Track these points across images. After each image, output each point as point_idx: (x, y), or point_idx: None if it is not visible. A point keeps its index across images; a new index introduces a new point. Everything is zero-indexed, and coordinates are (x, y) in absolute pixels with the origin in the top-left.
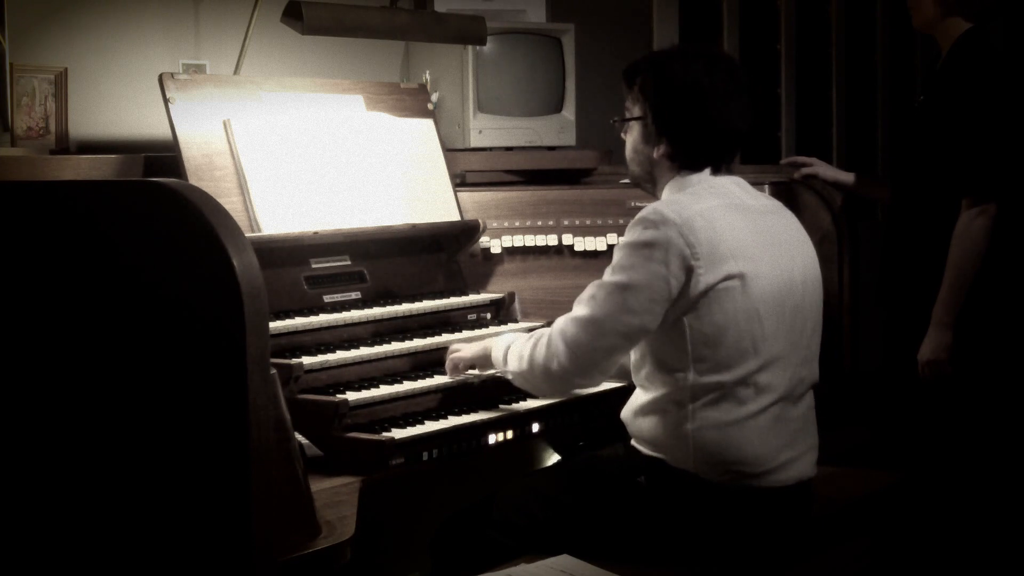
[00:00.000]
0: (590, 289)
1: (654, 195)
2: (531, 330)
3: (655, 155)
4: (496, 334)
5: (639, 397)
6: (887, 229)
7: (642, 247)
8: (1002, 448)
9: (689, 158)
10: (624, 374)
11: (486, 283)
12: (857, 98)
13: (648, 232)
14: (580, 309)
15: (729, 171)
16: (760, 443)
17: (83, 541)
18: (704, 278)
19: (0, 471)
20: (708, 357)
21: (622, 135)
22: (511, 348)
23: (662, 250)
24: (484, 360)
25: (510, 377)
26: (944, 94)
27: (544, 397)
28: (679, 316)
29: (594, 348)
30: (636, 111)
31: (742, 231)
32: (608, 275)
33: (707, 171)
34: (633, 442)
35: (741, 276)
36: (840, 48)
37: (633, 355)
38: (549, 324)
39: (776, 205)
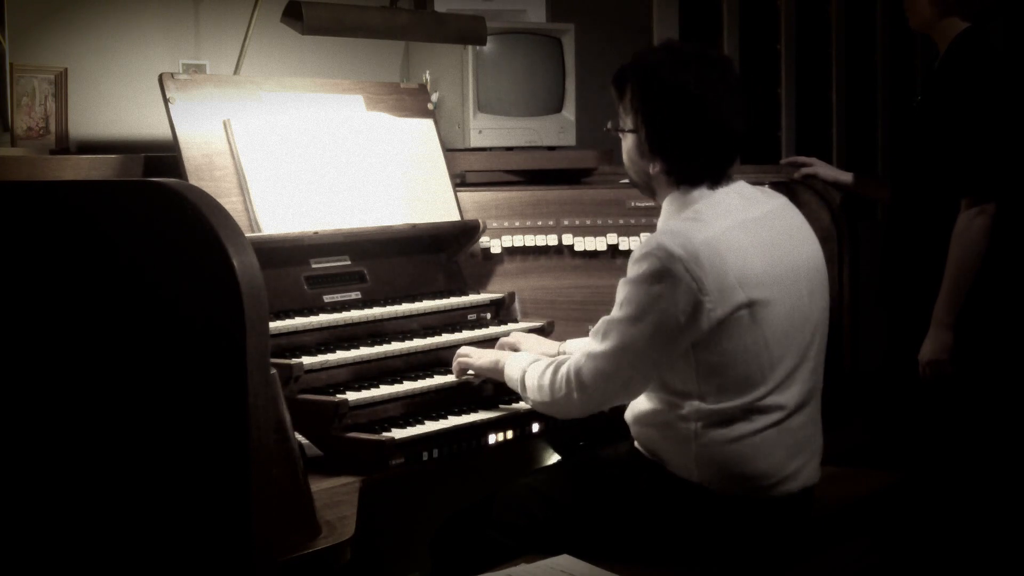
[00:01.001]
0: (601, 325)
1: (654, 201)
2: (531, 330)
3: (651, 170)
4: (497, 334)
5: (642, 403)
6: (887, 229)
7: (648, 283)
8: (1003, 448)
9: (687, 174)
10: None
11: (486, 283)
12: (857, 98)
13: (653, 269)
14: (593, 345)
15: (729, 178)
16: (767, 458)
17: (83, 541)
18: (714, 312)
19: (0, 471)
20: (716, 386)
21: (620, 136)
22: (528, 373)
23: (668, 286)
24: (495, 374)
25: (529, 404)
26: (942, 94)
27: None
28: (687, 347)
29: (608, 384)
30: (628, 122)
31: (749, 254)
32: (616, 311)
33: (706, 185)
34: (636, 444)
35: (750, 305)
36: (840, 48)
37: None
38: (550, 324)
39: (779, 205)
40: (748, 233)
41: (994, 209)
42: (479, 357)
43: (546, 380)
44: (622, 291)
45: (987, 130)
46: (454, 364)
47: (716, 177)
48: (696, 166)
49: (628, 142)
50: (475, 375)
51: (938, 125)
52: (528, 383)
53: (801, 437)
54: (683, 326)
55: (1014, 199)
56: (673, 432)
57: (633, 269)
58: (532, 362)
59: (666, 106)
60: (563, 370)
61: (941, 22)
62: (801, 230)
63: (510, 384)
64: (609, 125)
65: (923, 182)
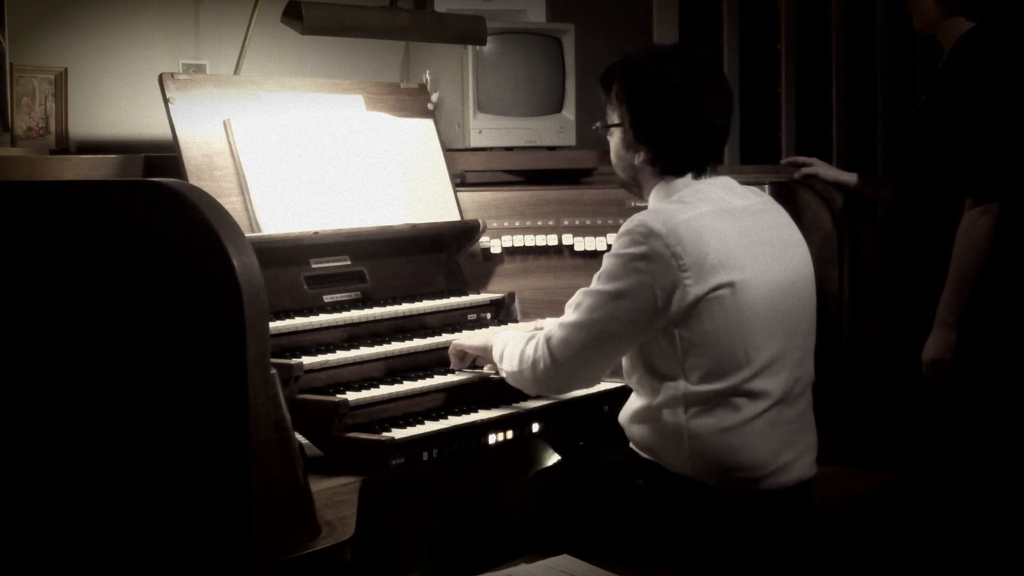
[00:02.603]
0: (577, 296)
1: (641, 198)
2: None
3: (636, 161)
4: None
5: (633, 402)
6: (890, 229)
7: (628, 258)
8: (1004, 448)
9: (670, 163)
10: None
11: (486, 283)
12: (857, 98)
13: (634, 244)
14: (568, 315)
15: (715, 172)
16: (758, 448)
17: (83, 541)
18: (693, 289)
19: (0, 471)
20: (699, 366)
21: (607, 138)
22: (506, 348)
23: (648, 261)
24: (484, 353)
25: (504, 375)
26: (947, 94)
27: (535, 396)
28: (669, 326)
29: (579, 354)
30: (614, 118)
31: (731, 238)
32: (595, 283)
33: (690, 175)
34: (631, 444)
35: (731, 285)
36: (840, 48)
37: (624, 360)
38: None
39: (764, 202)
40: (730, 219)
41: (998, 209)
42: (471, 338)
43: (517, 349)
44: (604, 263)
45: (992, 130)
46: (450, 350)
47: (699, 168)
48: (678, 156)
49: (615, 138)
50: (477, 372)
51: (943, 125)
52: (505, 354)
53: (792, 429)
54: (659, 303)
55: (1018, 199)
56: (665, 425)
57: (615, 243)
58: (515, 336)
59: (648, 96)
60: (534, 339)
61: (946, 22)
62: (786, 226)
63: (495, 360)
64: (597, 124)
65: (927, 182)
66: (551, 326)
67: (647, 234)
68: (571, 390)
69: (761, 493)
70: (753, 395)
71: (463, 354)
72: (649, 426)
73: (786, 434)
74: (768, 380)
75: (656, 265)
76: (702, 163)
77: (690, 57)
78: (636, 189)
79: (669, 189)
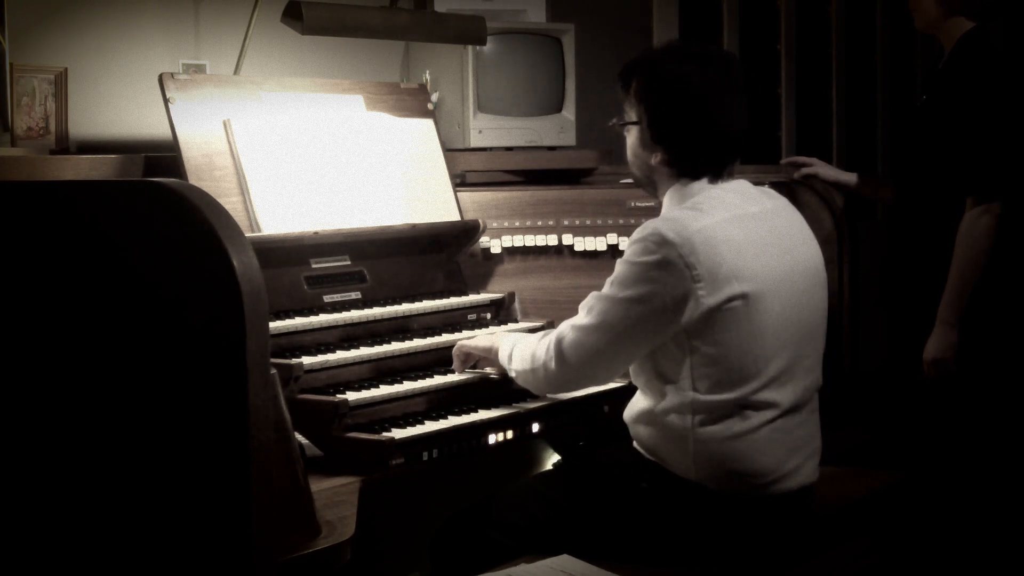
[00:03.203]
0: (590, 300)
1: (656, 197)
2: (531, 330)
3: (653, 161)
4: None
5: (639, 403)
6: (891, 229)
7: (642, 266)
8: (1005, 447)
9: (687, 165)
10: (625, 372)
11: (486, 283)
12: (857, 98)
13: (648, 253)
14: (580, 317)
15: (730, 175)
16: (765, 455)
17: (83, 541)
18: (706, 300)
19: (1, 472)
20: (709, 376)
21: (624, 135)
22: (516, 348)
23: (661, 270)
24: (490, 354)
25: (513, 375)
26: (948, 93)
27: (544, 396)
28: (681, 335)
29: (590, 357)
30: (632, 115)
31: (744, 247)
32: (607, 288)
33: (706, 179)
34: (635, 444)
35: (744, 296)
36: (840, 48)
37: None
38: (550, 324)
39: (778, 205)
40: (744, 227)
41: (999, 209)
42: (475, 340)
43: (528, 350)
44: (616, 268)
45: (992, 130)
46: (454, 351)
47: (716, 171)
48: (696, 158)
49: (632, 136)
50: (478, 372)
51: (943, 124)
52: (515, 354)
53: (799, 436)
54: (670, 311)
55: (1018, 199)
56: (670, 430)
57: (628, 250)
58: (523, 337)
59: (667, 96)
60: (547, 339)
61: (947, 22)
62: (800, 230)
63: (502, 362)
64: (614, 120)
65: (927, 182)
66: (563, 327)
67: (660, 242)
68: (584, 388)
69: (765, 498)
70: (761, 406)
71: (467, 355)
72: (654, 428)
73: (793, 440)
74: (777, 391)
75: (669, 274)
76: (719, 167)
77: (712, 58)
78: (651, 188)
79: (684, 193)
